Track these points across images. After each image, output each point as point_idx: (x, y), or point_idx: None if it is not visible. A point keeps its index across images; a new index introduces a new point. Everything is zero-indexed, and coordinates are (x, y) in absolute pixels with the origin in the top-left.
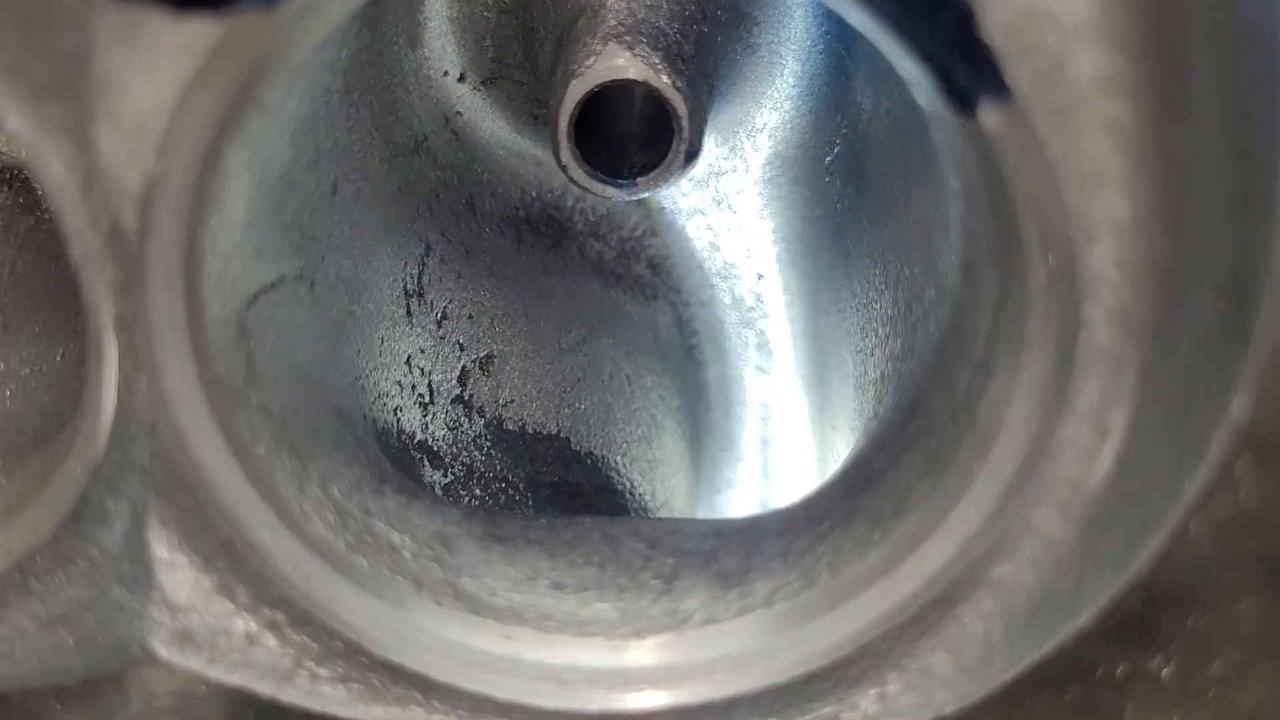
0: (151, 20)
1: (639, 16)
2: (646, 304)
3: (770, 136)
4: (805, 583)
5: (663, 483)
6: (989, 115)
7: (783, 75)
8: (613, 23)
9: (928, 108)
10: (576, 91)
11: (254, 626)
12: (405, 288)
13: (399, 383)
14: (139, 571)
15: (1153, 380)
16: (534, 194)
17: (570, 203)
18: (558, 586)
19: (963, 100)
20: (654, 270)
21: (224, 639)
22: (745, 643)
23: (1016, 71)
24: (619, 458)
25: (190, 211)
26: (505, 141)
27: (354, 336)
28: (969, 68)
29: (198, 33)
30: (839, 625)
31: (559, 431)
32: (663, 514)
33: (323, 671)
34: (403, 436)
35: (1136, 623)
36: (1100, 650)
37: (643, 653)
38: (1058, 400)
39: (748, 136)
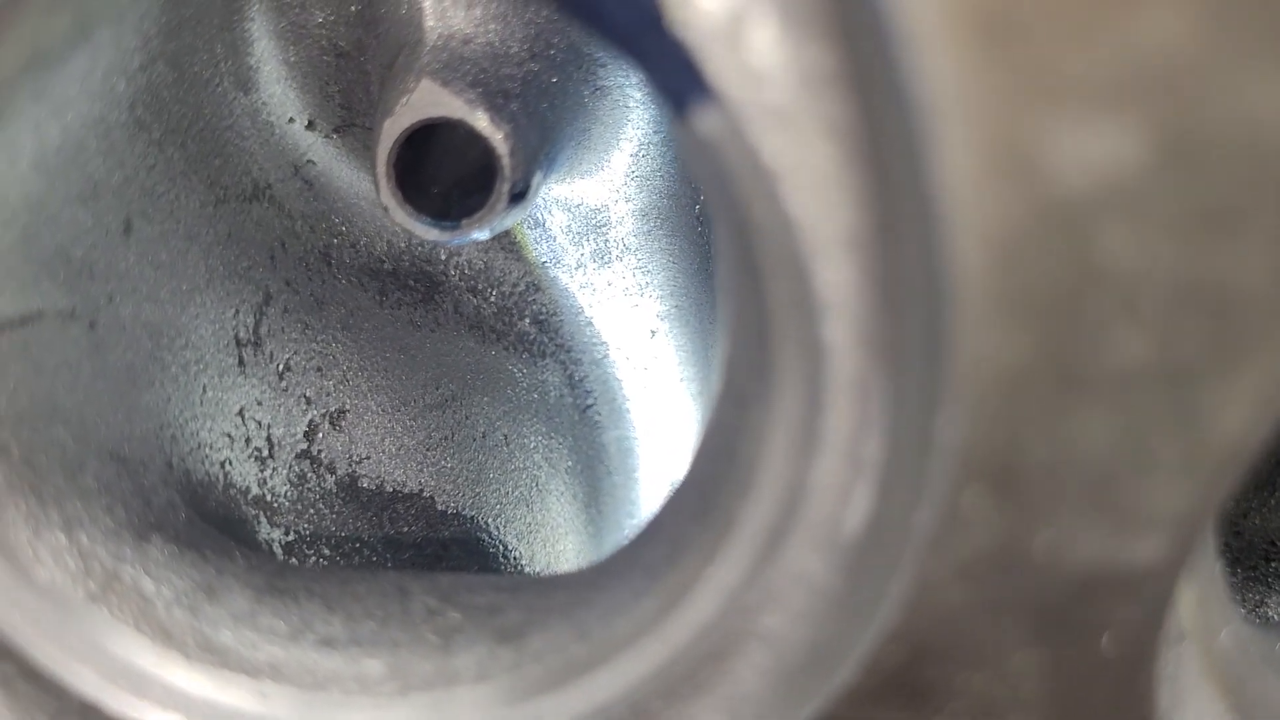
0: None
1: (457, 53)
2: (532, 362)
3: (641, 186)
4: (577, 635)
5: (545, 546)
6: (702, 120)
7: (639, 120)
8: (428, 60)
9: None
10: (391, 131)
11: None
12: (237, 337)
13: (228, 435)
14: None
15: (901, 408)
16: (403, 246)
17: (444, 256)
18: (327, 641)
19: (679, 105)
20: (540, 328)
21: None
22: (514, 699)
23: (718, 69)
24: (491, 519)
25: None
26: (366, 193)
27: (161, 383)
28: (669, 66)
29: None
30: (611, 681)
31: (421, 490)
32: None
33: None
34: (232, 490)
35: (903, 681)
36: (874, 712)
37: (408, 711)
38: (810, 434)
39: (618, 186)
